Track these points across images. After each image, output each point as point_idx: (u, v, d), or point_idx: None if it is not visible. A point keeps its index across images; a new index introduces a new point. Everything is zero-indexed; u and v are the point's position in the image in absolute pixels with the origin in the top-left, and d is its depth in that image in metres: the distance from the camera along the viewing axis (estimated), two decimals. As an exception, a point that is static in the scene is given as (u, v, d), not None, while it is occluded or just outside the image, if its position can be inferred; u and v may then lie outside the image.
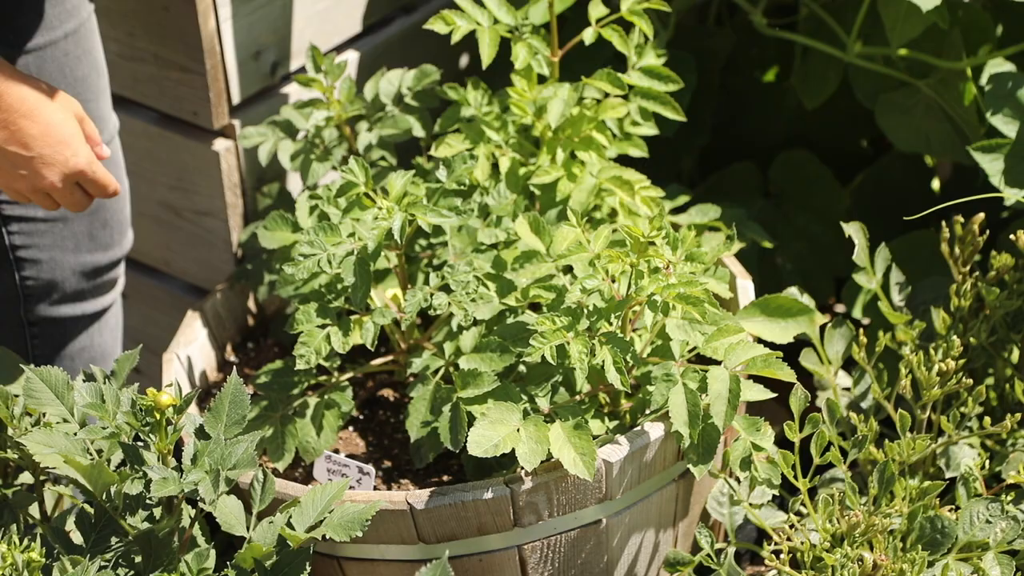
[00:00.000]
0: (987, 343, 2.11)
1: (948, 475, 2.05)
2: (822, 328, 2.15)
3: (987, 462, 1.99)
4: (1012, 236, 2.08)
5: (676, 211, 2.30)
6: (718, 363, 1.83)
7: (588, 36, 2.11)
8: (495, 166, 2.15)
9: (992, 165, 2.11)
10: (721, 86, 2.63)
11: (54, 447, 1.66)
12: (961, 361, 2.00)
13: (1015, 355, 2.12)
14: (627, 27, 2.12)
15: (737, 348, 1.83)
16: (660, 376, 1.83)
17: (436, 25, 2.07)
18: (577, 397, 1.93)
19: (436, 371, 1.99)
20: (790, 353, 1.98)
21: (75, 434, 1.69)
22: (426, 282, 1.98)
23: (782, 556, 1.84)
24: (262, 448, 2.00)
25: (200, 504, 1.66)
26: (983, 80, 2.21)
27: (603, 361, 1.79)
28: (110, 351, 2.22)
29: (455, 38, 2.07)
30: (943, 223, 2.17)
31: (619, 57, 2.36)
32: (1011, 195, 2.08)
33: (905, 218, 2.19)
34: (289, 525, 1.69)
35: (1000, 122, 2.15)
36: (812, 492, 2.02)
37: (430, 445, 1.97)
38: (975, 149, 2.13)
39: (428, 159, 2.27)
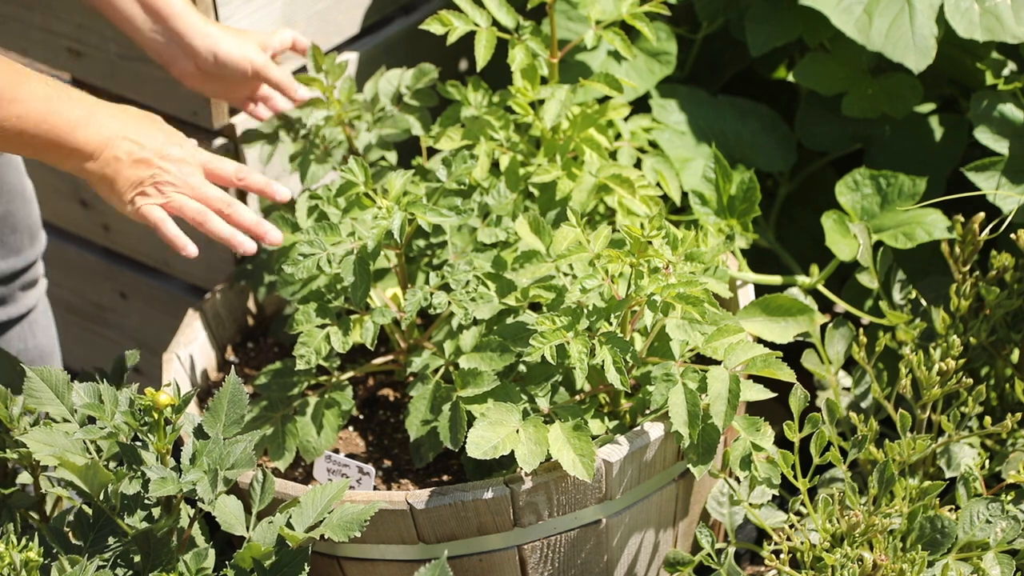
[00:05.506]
0: (987, 343, 2.11)
1: (948, 475, 2.04)
2: (823, 328, 2.15)
3: (987, 462, 1.99)
4: (1012, 235, 2.08)
5: (676, 211, 2.30)
6: (718, 363, 1.83)
7: (589, 39, 2.11)
8: (495, 165, 2.15)
9: (987, 183, 2.16)
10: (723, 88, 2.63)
11: (54, 446, 1.66)
12: (961, 361, 2.00)
13: (1015, 355, 2.12)
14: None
15: (737, 348, 1.82)
16: (660, 376, 1.83)
17: (432, 26, 2.06)
18: (577, 397, 1.93)
19: (436, 370, 1.99)
20: (791, 353, 1.98)
21: (74, 433, 1.70)
22: (426, 281, 1.98)
23: (782, 556, 1.84)
24: (263, 448, 2.00)
25: (199, 504, 1.66)
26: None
27: (603, 361, 1.79)
28: (48, 351, 2.25)
29: (451, 39, 2.06)
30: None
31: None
32: (1008, 207, 2.11)
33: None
34: (289, 525, 1.69)
35: (989, 141, 2.18)
36: (812, 492, 2.02)
37: (430, 444, 1.97)
38: (969, 170, 2.17)
39: (428, 153, 2.26)
